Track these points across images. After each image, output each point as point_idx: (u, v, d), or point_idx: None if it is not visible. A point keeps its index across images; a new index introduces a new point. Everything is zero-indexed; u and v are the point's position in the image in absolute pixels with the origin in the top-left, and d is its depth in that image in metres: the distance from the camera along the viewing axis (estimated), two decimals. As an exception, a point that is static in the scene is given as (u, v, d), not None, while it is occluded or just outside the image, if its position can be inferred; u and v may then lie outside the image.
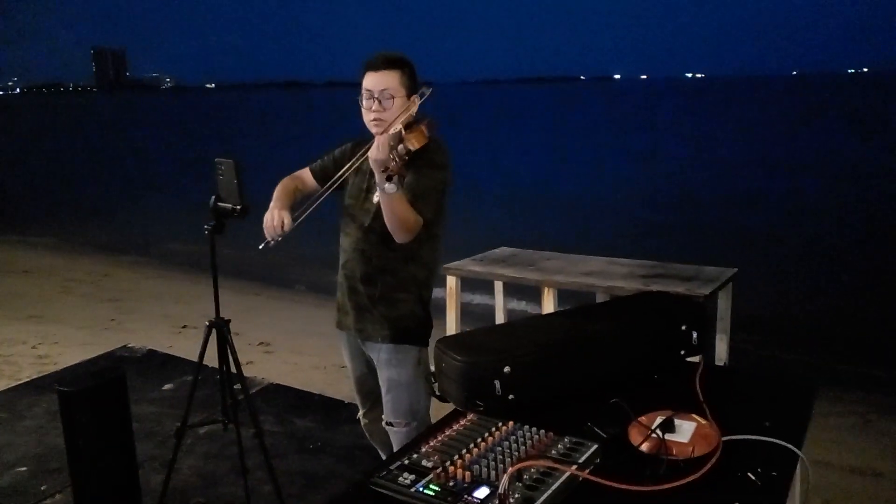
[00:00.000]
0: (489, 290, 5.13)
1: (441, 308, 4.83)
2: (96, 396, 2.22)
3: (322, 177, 2.21)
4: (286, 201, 2.11)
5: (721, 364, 3.51)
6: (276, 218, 2.01)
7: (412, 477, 1.26)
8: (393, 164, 1.81)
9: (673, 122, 40.08)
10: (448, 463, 1.28)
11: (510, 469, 1.19)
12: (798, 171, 17.45)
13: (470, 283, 4.96)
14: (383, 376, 2.17)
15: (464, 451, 1.33)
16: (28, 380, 4.13)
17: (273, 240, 2.03)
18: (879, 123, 32.58)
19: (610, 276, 3.86)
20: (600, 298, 3.70)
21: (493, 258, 4.88)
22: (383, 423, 2.20)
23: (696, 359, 1.80)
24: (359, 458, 2.79)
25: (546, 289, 4.28)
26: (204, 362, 2.27)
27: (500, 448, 1.33)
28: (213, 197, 2.08)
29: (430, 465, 1.29)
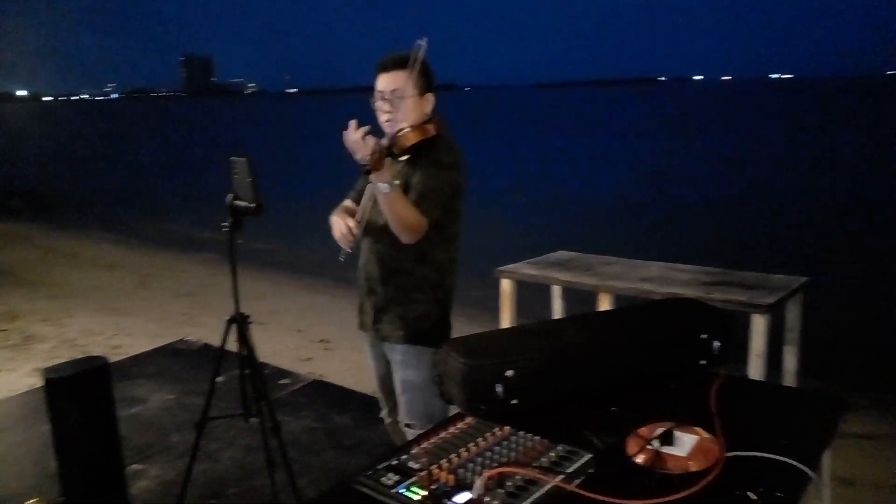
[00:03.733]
0: (548, 294, 5.07)
1: (492, 308, 4.82)
2: (79, 383, 2.32)
3: (357, 197, 2.23)
4: (345, 210, 2.17)
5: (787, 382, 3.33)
6: (342, 225, 2.06)
7: (397, 478, 1.26)
8: (370, 157, 1.80)
9: (754, 123, 38.45)
10: (434, 466, 1.27)
11: (485, 473, 1.17)
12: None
13: (528, 288, 4.92)
14: (398, 377, 2.17)
15: (453, 454, 1.31)
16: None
17: (349, 247, 2.08)
18: None
19: (669, 282, 3.74)
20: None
21: (549, 262, 4.81)
22: (402, 425, 2.21)
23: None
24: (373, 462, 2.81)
25: (602, 294, 4.18)
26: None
27: (489, 453, 1.31)
28: (230, 195, 2.14)
29: (416, 466, 1.29)
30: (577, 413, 1.52)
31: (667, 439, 1.30)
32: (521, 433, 1.37)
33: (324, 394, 3.54)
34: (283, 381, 3.69)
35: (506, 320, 4.80)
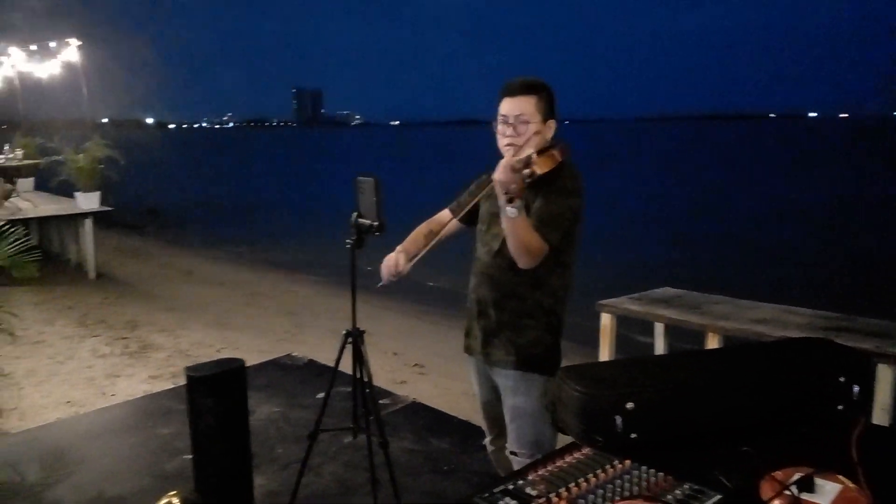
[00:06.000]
0: (648, 330, 4.90)
1: (590, 342, 4.70)
2: (217, 382, 2.45)
3: (459, 211, 2.27)
4: (408, 246, 2.22)
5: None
6: (392, 260, 2.15)
7: (513, 503, 1.23)
8: (514, 186, 1.80)
9: (874, 163, 36.03)
10: (553, 494, 1.23)
11: (613, 505, 1.12)
12: None
13: (627, 323, 4.77)
14: (508, 404, 2.14)
15: (572, 484, 1.27)
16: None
17: (388, 281, 2.16)
18: None
19: (784, 325, 3.55)
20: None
21: (653, 298, 4.66)
22: (507, 452, 2.17)
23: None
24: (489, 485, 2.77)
25: (711, 334, 4.01)
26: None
27: (610, 486, 1.26)
28: (354, 213, 2.20)
29: (533, 493, 1.25)
30: (703, 451, 1.44)
31: (806, 486, 1.21)
32: (644, 468, 1.31)
33: (422, 416, 3.56)
34: (382, 401, 3.73)
35: (605, 354, 4.67)
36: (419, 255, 2.18)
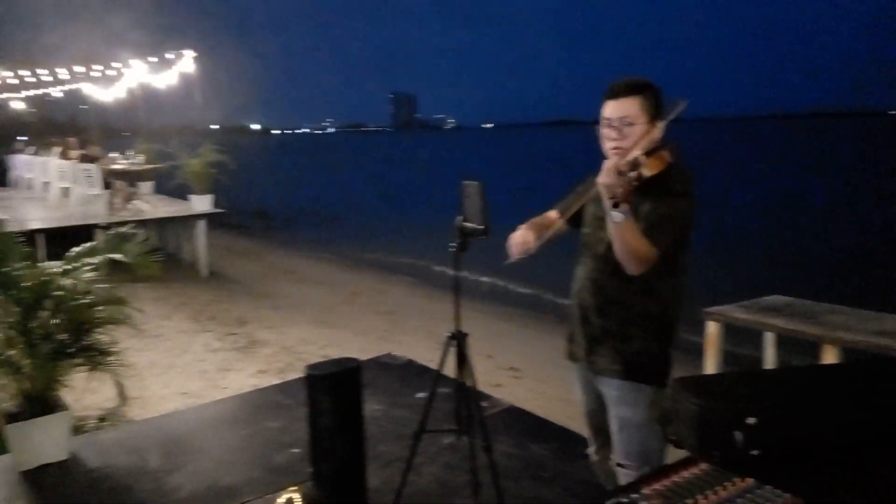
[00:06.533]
0: (755, 340, 4.67)
1: (691, 351, 4.52)
2: (335, 380, 2.55)
3: (566, 212, 2.23)
4: (534, 225, 2.18)
5: None
6: (520, 237, 2.11)
7: (629, 516, 1.20)
8: (620, 189, 1.75)
9: None
10: (669, 509, 1.19)
11: (737, 527, 1.07)
12: None
13: (734, 332, 4.57)
14: (613, 414, 2.09)
15: (689, 500, 1.22)
16: (311, 374, 4.77)
17: (517, 257, 2.11)
18: None
19: (911, 337, 3.29)
20: None
21: (763, 306, 4.45)
22: (612, 464, 2.11)
23: None
24: (589, 495, 2.72)
25: (827, 346, 3.79)
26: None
27: (731, 504, 1.21)
28: (459, 217, 2.22)
29: (648, 507, 1.22)
30: (830, 470, 1.35)
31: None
32: (768, 488, 1.25)
33: (521, 421, 3.53)
34: (483, 403, 3.73)
35: (710, 366, 4.48)
36: (547, 236, 2.14)
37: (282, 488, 2.86)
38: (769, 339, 4.50)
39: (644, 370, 2.03)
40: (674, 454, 1.90)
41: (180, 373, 5.52)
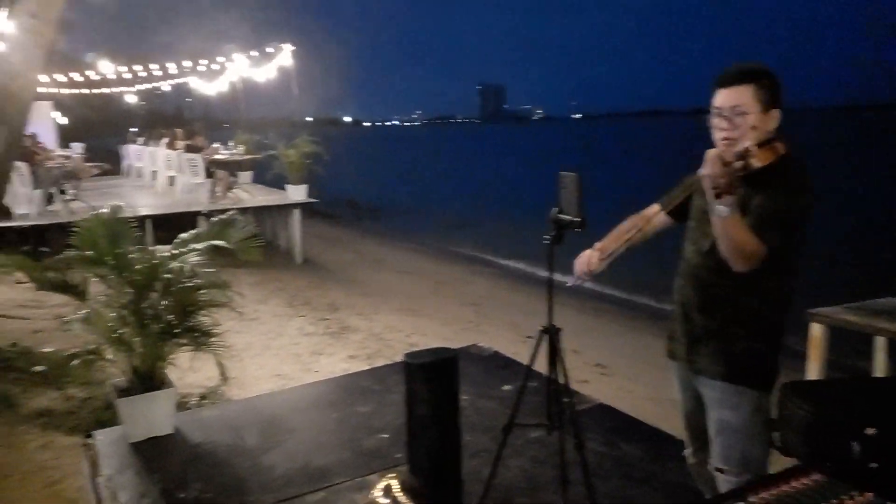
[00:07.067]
0: (862, 346, 4.39)
1: (793, 355, 4.28)
2: (432, 370, 2.57)
3: (669, 205, 2.16)
4: (607, 242, 2.17)
5: None
6: (585, 257, 2.14)
7: (733, 525, 1.15)
8: (723, 181, 1.66)
9: None
10: (780, 520, 1.13)
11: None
12: None
13: (840, 336, 4.30)
14: (714, 416, 2.00)
15: (801, 511, 1.16)
16: (400, 361, 4.84)
17: (578, 280, 2.16)
18: None
19: None
20: None
21: (875, 308, 4.17)
22: (710, 468, 2.03)
23: None
24: (685, 498, 2.63)
25: (947, 354, 3.50)
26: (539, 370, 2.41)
27: (848, 520, 1.13)
28: (555, 209, 2.18)
29: (756, 517, 1.16)
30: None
31: None
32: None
33: (611, 419, 3.45)
34: (567, 399, 3.67)
35: (813, 372, 4.24)
36: (615, 254, 2.12)
37: (372, 471, 2.92)
38: (880, 345, 4.22)
39: (747, 373, 1.93)
40: (778, 462, 1.81)
41: (275, 355, 5.74)
